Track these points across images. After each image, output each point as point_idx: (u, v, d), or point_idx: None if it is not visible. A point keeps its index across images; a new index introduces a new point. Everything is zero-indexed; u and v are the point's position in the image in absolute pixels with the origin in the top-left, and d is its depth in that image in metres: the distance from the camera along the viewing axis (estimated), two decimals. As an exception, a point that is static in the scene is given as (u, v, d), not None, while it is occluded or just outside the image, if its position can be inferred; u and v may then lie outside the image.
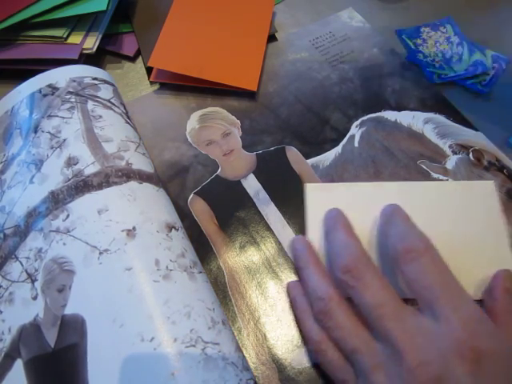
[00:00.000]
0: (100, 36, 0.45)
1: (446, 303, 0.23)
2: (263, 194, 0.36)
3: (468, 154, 0.37)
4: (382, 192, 0.34)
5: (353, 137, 0.40)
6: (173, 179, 0.38)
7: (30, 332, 0.25)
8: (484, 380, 0.21)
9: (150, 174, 0.32)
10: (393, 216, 0.29)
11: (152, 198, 0.30)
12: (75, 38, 0.44)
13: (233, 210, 0.36)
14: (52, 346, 0.25)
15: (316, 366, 0.28)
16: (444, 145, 0.38)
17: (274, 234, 0.34)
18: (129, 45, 0.48)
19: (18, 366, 0.25)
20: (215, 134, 0.40)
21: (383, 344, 0.24)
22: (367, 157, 0.38)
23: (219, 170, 0.38)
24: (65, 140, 0.31)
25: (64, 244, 0.27)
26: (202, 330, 0.24)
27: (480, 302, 0.27)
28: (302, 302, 0.29)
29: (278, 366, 0.29)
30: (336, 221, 0.31)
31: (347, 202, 0.33)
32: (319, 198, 0.34)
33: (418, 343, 0.23)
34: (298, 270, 0.31)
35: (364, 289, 0.25)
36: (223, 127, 0.41)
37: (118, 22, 0.49)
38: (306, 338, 0.28)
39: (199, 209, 0.36)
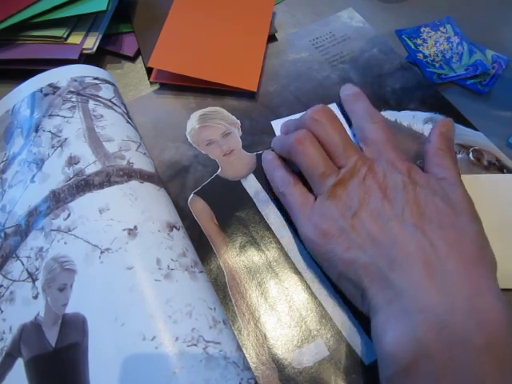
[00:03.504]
0: (100, 36, 0.45)
1: (390, 149, 0.32)
2: (263, 194, 0.36)
3: (468, 154, 0.37)
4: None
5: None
6: (173, 179, 0.38)
7: (31, 331, 0.25)
8: (413, 184, 0.29)
9: (151, 173, 0.32)
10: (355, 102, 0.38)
11: (153, 197, 0.30)
12: (75, 38, 0.44)
13: (233, 209, 0.36)
14: (53, 345, 0.25)
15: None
16: (444, 145, 0.38)
17: (274, 234, 0.34)
18: (129, 45, 0.48)
19: (19, 365, 0.25)
20: (215, 133, 0.40)
21: (344, 167, 0.31)
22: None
23: (219, 170, 0.38)
24: (66, 139, 0.31)
25: (65, 243, 0.27)
26: (203, 330, 0.24)
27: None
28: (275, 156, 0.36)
29: (277, 365, 0.29)
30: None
31: None
32: None
33: (370, 162, 0.31)
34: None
35: (333, 128, 0.33)
36: (223, 127, 0.41)
37: (118, 22, 0.49)
38: (276, 182, 0.34)
39: (199, 209, 0.36)
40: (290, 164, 0.35)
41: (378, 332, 0.25)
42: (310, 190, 0.33)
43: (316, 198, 0.32)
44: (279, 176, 0.34)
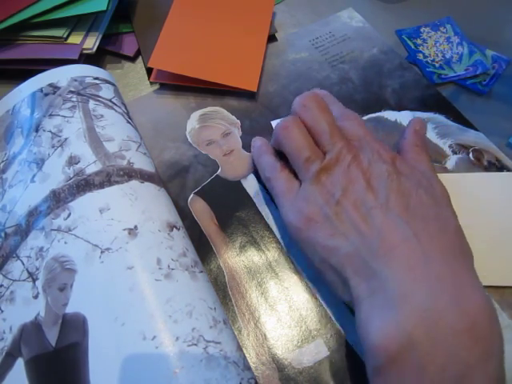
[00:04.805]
0: (100, 36, 0.45)
1: (373, 141, 0.32)
2: (263, 194, 0.36)
3: (468, 154, 0.37)
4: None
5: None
6: (173, 179, 0.38)
7: (31, 331, 0.25)
8: (398, 174, 0.29)
9: (152, 173, 0.32)
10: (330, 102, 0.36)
11: (153, 197, 0.30)
12: (75, 38, 0.44)
13: (233, 209, 0.36)
14: (53, 344, 0.25)
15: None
16: (444, 145, 0.38)
17: (274, 234, 0.34)
18: (129, 45, 0.48)
19: (19, 365, 0.25)
20: (215, 133, 0.40)
21: (329, 154, 0.31)
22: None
23: (219, 170, 0.38)
24: (66, 139, 0.31)
25: (65, 243, 0.27)
26: (203, 329, 0.24)
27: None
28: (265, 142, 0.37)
29: (278, 365, 0.29)
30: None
31: None
32: None
33: (356, 150, 0.31)
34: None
35: (321, 114, 0.33)
36: (223, 127, 0.41)
37: (118, 22, 0.49)
38: (263, 167, 0.35)
39: (199, 209, 0.36)
40: (280, 154, 0.35)
41: (362, 323, 0.25)
42: (297, 176, 0.33)
43: (301, 184, 0.32)
44: (266, 161, 0.34)
